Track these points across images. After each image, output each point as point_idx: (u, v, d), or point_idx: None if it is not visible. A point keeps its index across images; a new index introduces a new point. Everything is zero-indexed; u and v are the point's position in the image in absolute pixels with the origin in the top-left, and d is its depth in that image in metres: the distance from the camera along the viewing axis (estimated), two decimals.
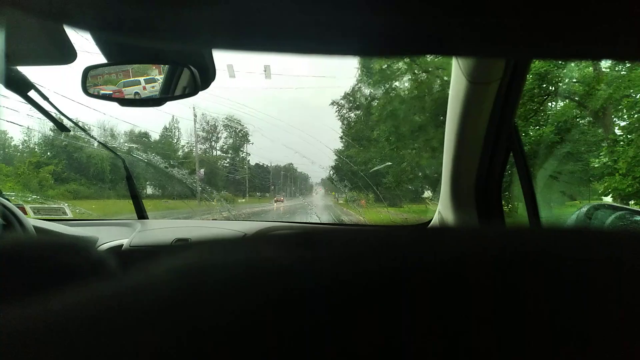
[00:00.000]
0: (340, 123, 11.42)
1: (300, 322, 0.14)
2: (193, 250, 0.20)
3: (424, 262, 0.17)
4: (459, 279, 0.16)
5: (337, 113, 11.36)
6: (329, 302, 0.15)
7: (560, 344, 0.14)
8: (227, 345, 0.13)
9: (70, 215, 1.87)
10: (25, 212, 1.54)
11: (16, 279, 0.20)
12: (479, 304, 0.15)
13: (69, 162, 15.93)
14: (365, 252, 0.18)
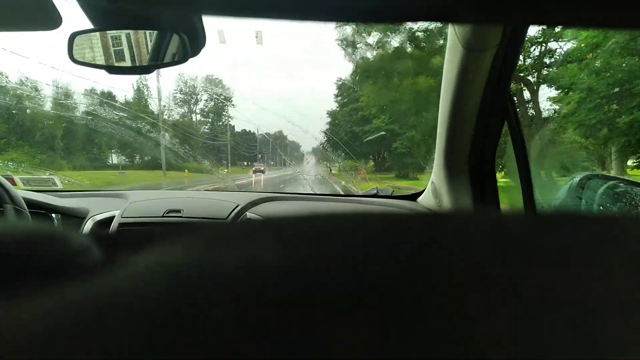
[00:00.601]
0: (344, 51, 8.81)
1: (301, 327, 0.14)
2: (183, 241, 0.19)
3: (426, 260, 0.16)
4: (459, 270, 0.16)
5: (340, 34, 8.90)
6: (329, 306, 0.14)
7: (557, 335, 0.13)
8: (220, 352, 0.13)
9: (60, 187, 1.85)
10: (14, 184, 1.52)
11: None
12: (473, 293, 0.15)
13: (10, 126, 13.19)
14: (362, 251, 0.17)
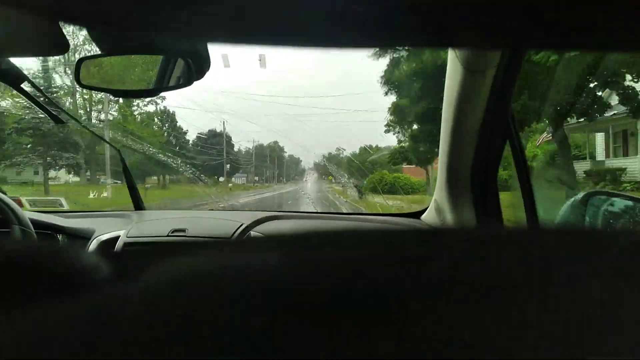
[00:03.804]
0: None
1: (307, 335, 0.14)
2: (190, 254, 0.19)
3: (424, 267, 0.17)
4: (457, 282, 0.16)
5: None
6: (334, 315, 0.15)
7: (554, 349, 0.14)
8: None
9: (66, 207, 1.86)
10: (21, 205, 1.54)
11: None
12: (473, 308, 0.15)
13: None
14: (362, 262, 0.18)
